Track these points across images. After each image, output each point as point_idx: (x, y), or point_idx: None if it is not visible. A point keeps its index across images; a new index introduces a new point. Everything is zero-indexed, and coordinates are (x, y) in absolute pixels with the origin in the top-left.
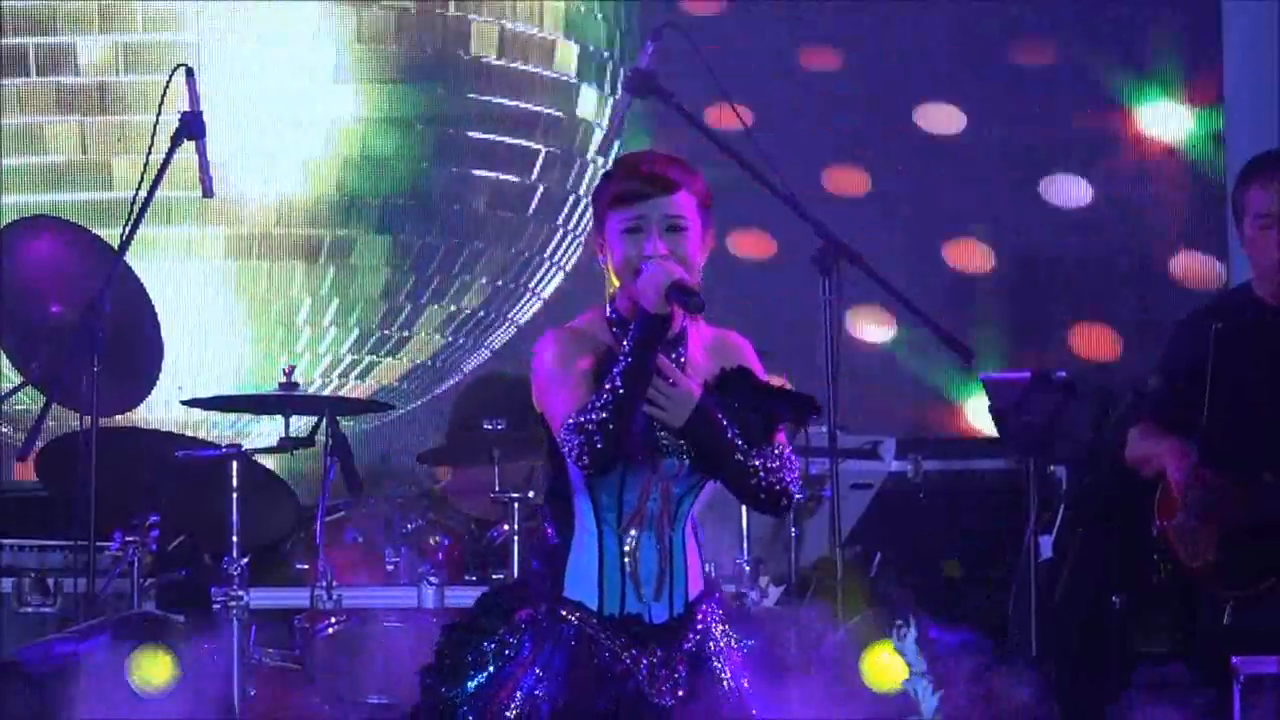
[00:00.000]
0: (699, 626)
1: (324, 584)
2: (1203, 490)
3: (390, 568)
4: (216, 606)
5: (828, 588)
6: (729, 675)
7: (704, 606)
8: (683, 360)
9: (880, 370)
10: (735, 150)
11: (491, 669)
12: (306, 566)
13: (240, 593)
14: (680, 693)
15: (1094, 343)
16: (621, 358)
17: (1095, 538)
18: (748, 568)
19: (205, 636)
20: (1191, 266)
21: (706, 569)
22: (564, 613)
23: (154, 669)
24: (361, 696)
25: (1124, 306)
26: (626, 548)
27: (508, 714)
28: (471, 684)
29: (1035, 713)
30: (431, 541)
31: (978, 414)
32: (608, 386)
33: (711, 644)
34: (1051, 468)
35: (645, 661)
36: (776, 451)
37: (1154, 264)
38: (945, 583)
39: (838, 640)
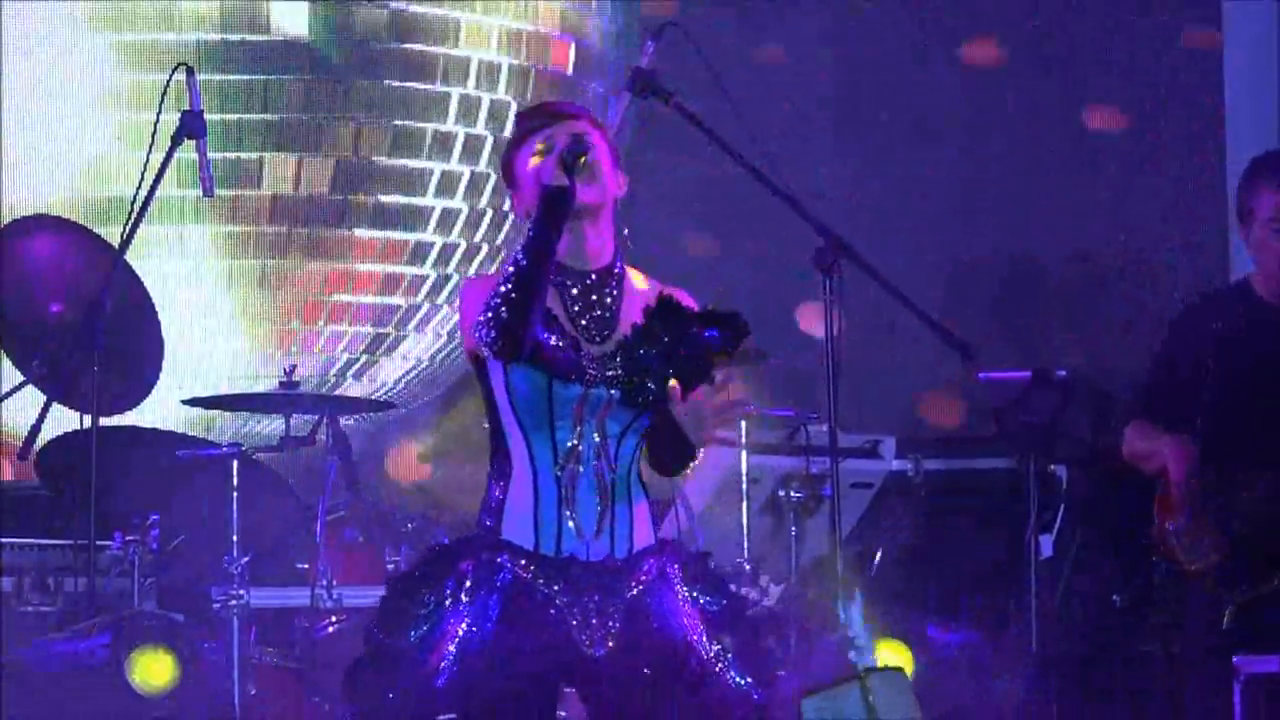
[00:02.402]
0: (644, 578)
1: (324, 584)
2: (1202, 491)
3: (390, 567)
4: (216, 606)
5: (828, 588)
6: (680, 636)
7: (653, 560)
8: (615, 295)
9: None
10: (735, 149)
11: (432, 622)
12: (306, 566)
13: (240, 593)
14: (611, 644)
15: None
16: (527, 233)
17: (1095, 537)
18: (748, 567)
19: (205, 636)
20: None
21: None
22: (500, 558)
23: (154, 669)
24: None
25: None
26: (563, 485)
27: (443, 663)
28: (413, 635)
29: (1034, 712)
30: (431, 541)
31: None
32: (512, 259)
33: (653, 600)
34: (1051, 467)
35: (578, 608)
36: None
37: None
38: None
39: (838, 640)
